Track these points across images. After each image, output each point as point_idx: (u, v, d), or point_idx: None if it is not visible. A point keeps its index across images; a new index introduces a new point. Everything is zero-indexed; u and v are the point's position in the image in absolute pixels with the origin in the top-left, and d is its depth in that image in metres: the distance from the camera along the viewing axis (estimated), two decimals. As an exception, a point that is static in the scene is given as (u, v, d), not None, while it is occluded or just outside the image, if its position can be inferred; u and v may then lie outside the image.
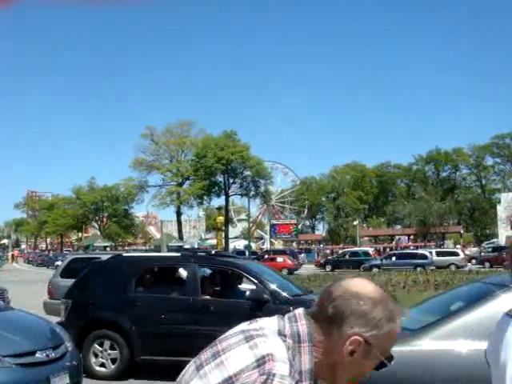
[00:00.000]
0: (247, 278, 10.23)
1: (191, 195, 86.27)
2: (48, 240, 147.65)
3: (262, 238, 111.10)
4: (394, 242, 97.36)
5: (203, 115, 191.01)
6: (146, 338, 9.85)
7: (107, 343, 10.08)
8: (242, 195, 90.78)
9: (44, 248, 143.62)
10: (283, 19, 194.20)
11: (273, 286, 9.87)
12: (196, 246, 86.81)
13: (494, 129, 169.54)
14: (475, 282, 6.64)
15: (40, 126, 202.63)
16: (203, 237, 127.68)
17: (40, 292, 29.72)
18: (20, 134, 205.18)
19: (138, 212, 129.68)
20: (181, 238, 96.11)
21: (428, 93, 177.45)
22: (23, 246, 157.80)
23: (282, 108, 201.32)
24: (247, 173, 75.74)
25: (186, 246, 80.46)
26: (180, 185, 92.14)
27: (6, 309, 8.36)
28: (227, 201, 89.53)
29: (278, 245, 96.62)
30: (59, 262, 65.20)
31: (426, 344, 4.97)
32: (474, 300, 5.30)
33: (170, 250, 44.27)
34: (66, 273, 15.64)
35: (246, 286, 11.55)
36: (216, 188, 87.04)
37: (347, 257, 56.17)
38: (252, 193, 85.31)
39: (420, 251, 54.85)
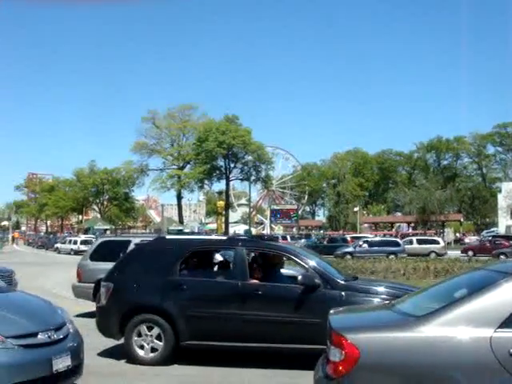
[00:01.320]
0: (297, 262, 9.91)
1: (192, 179, 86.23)
2: (48, 222, 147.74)
3: (262, 223, 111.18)
4: (394, 230, 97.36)
5: (205, 100, 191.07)
6: (192, 322, 9.59)
7: (151, 328, 9.78)
8: (242, 180, 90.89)
9: (44, 230, 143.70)
10: (286, 9, 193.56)
11: (323, 271, 9.61)
12: (196, 230, 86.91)
13: (496, 118, 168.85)
14: (479, 270, 6.63)
15: (41, 109, 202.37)
16: (203, 221, 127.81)
17: (40, 274, 29.98)
18: (21, 118, 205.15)
19: (139, 195, 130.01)
20: (181, 221, 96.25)
21: (430, 81, 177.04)
22: (23, 228, 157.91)
23: (284, 94, 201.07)
24: (248, 157, 75.71)
25: (186, 230, 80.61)
26: (181, 168, 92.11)
27: (8, 290, 8.35)
28: (228, 185, 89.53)
29: (278, 230, 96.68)
30: (58, 245, 65.79)
31: (430, 330, 4.97)
32: (478, 287, 5.29)
33: (169, 233, 44.37)
34: (95, 256, 15.34)
35: (287, 271, 11.41)
36: (217, 172, 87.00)
37: (325, 242, 56.11)
38: (253, 177, 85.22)
39: (392, 238, 54.88)
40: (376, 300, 8.95)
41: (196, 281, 10.10)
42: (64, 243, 64.97)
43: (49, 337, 6.93)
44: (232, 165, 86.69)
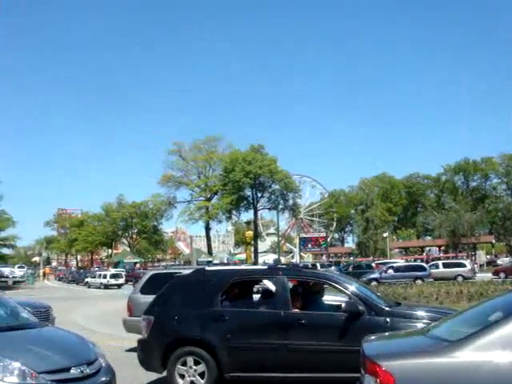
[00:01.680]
0: (339, 289, 9.78)
1: (220, 210, 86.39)
2: (78, 257, 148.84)
3: (291, 252, 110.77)
4: (424, 254, 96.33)
5: (230, 130, 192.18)
6: (235, 354, 9.47)
7: (194, 360, 9.69)
8: (270, 209, 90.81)
9: (74, 265, 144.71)
10: (308, 34, 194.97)
11: (367, 297, 9.48)
12: (225, 261, 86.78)
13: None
14: (513, 292, 6.52)
15: (70, 145, 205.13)
16: (232, 251, 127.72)
17: (71, 308, 30.10)
18: (50, 154, 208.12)
19: (167, 228, 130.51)
20: (210, 252, 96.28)
21: (457, 103, 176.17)
22: (54, 264, 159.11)
23: (309, 121, 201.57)
24: (275, 186, 75.78)
25: (216, 261, 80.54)
26: (208, 200, 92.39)
27: (41, 325, 8.38)
28: (256, 215, 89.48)
29: (308, 258, 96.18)
30: (88, 279, 66.16)
31: (466, 355, 4.89)
32: None
33: (199, 265, 44.37)
34: (146, 289, 15.19)
35: (328, 298, 11.24)
36: (244, 202, 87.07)
37: (350, 269, 55.71)
38: (280, 206, 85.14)
39: (417, 263, 54.32)
40: (420, 325, 8.72)
41: (238, 311, 10.01)
42: (94, 277, 65.29)
43: (81, 371, 6.93)
44: (259, 194, 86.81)
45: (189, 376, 9.67)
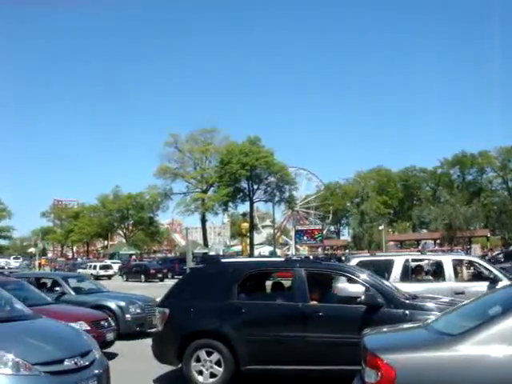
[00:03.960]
0: (358, 281, 9.71)
1: (216, 202, 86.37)
2: (74, 248, 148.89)
3: (287, 244, 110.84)
4: (420, 247, 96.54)
5: (227, 122, 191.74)
6: (252, 346, 9.41)
7: (210, 353, 9.64)
8: (266, 201, 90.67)
9: (70, 256, 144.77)
10: (306, 26, 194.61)
11: (386, 290, 9.44)
12: (221, 253, 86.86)
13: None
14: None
15: (65, 135, 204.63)
16: (228, 243, 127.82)
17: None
18: (46, 145, 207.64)
19: (163, 219, 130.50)
20: (206, 244, 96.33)
21: (454, 96, 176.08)
22: (50, 255, 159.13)
23: (305, 113, 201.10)
24: (271, 179, 75.57)
25: (212, 253, 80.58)
26: (205, 191, 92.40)
27: (35, 317, 8.35)
28: (252, 207, 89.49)
29: (303, 251, 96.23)
30: (80, 270, 66.38)
31: (467, 349, 4.90)
32: None
33: (194, 257, 44.42)
34: None
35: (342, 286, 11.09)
36: (240, 194, 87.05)
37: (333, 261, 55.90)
38: (276, 198, 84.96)
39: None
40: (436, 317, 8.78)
41: (255, 304, 9.99)
42: (85, 268, 65.72)
43: (75, 363, 6.93)
44: (255, 186, 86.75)
45: (206, 369, 9.61)
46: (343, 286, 11.09)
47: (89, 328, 11.75)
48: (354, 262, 15.30)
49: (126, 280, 54.94)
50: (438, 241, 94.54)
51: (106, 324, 13.12)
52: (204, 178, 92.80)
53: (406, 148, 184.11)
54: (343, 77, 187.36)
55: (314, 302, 9.61)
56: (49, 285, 17.37)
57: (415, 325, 7.33)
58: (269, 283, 12.44)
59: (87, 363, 7.13)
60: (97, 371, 7.20)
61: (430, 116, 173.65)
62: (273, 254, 66.50)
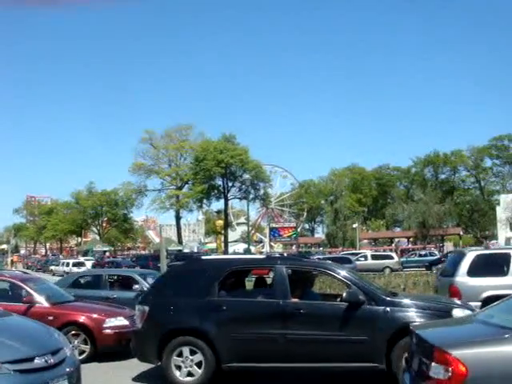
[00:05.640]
0: (339, 279, 9.79)
1: (190, 199, 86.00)
2: (47, 245, 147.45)
3: (261, 242, 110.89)
4: (393, 245, 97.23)
5: (202, 119, 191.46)
6: (233, 343, 9.36)
7: (190, 350, 9.57)
8: (241, 199, 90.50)
9: (43, 253, 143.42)
10: (283, 22, 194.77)
11: (367, 287, 9.45)
12: (195, 250, 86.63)
13: (492, 131, 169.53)
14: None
15: (39, 131, 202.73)
16: (202, 241, 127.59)
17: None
18: (19, 139, 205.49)
19: (138, 216, 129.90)
20: (180, 242, 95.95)
21: (427, 96, 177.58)
22: (22, 251, 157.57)
23: (281, 111, 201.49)
24: (246, 176, 75.46)
25: (186, 250, 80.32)
26: (179, 189, 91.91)
27: (5, 315, 8.28)
28: (226, 204, 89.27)
29: (278, 248, 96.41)
30: (52, 267, 65.79)
31: None
32: None
33: (168, 254, 44.28)
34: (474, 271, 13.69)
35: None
36: (215, 191, 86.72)
37: None
38: (251, 196, 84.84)
39: (342, 255, 55.04)
40: (416, 314, 8.90)
41: (236, 301, 9.96)
42: (57, 265, 65.14)
43: (46, 361, 6.83)
44: (230, 184, 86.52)
45: (185, 367, 9.56)
46: None
47: (127, 323, 12.16)
48: (470, 255, 14.06)
49: (100, 277, 54.44)
50: (412, 239, 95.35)
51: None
52: (179, 175, 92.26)
53: (380, 147, 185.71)
54: (318, 76, 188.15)
55: (295, 300, 9.60)
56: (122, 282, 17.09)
57: (463, 319, 7.36)
58: (251, 280, 12.40)
59: (58, 361, 7.03)
60: (68, 369, 7.12)
61: (403, 116, 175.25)
62: (247, 251, 66.55)
